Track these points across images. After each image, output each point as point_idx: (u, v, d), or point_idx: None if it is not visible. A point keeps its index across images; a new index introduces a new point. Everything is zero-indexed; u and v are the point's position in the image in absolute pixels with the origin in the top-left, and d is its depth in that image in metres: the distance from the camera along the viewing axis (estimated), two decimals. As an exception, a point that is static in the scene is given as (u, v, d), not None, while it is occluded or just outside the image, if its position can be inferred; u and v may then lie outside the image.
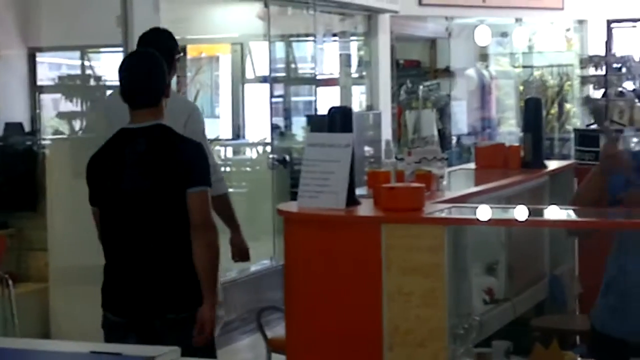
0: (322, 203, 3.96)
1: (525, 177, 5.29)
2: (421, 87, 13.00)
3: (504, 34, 14.80)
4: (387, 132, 11.55)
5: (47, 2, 8.31)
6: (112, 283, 4.27)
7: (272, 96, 10.44)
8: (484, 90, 14.28)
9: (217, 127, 12.11)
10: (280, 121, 10.86)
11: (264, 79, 10.96)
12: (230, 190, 5.24)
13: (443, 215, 3.90)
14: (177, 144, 4.21)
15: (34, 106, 8.89)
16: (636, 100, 12.24)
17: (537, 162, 5.56)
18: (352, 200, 4.01)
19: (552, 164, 5.86)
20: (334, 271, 3.90)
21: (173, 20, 7.27)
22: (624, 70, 13.14)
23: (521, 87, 14.58)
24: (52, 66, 9.51)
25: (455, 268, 3.85)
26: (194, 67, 12.02)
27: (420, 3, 12.65)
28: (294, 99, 11.55)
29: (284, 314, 4.12)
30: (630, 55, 13.16)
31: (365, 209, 4.03)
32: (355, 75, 12.05)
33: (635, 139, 4.17)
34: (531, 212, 4.03)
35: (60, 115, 8.43)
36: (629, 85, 12.97)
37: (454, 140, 13.62)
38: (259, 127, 11.29)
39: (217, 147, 10.93)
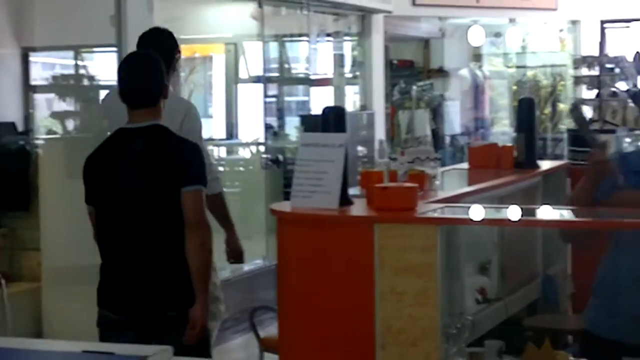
0: (316, 203, 3.96)
1: (518, 177, 5.29)
2: (414, 87, 13.00)
3: (498, 34, 14.82)
4: (380, 132, 11.56)
5: (41, 2, 8.30)
6: (109, 281, 4.28)
7: (265, 96, 10.45)
8: (477, 91, 14.29)
9: (210, 127, 12.11)
10: (273, 121, 10.86)
11: (257, 79, 10.96)
12: (224, 189, 5.25)
13: (436, 215, 3.90)
14: (174, 144, 4.23)
15: (27, 106, 8.87)
16: (629, 101, 12.25)
17: (530, 162, 5.56)
18: (345, 200, 4.01)
19: (545, 164, 5.87)
20: (326, 271, 3.90)
21: (167, 20, 7.26)
22: (617, 70, 13.14)
23: (514, 87, 14.59)
24: (45, 66, 9.50)
25: (448, 268, 3.85)
26: (188, 66, 12.01)
27: (413, 3, 12.66)
28: (287, 98, 11.55)
29: (277, 313, 4.12)
30: (623, 55, 13.16)
31: (358, 208, 4.03)
32: (348, 75, 12.07)
33: (628, 139, 4.19)
34: (524, 212, 4.04)
35: (54, 115, 8.42)
36: (622, 86, 12.98)
37: (447, 140, 13.63)
38: (252, 127, 11.30)
39: (210, 147, 10.92)
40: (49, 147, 8.14)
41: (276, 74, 11.27)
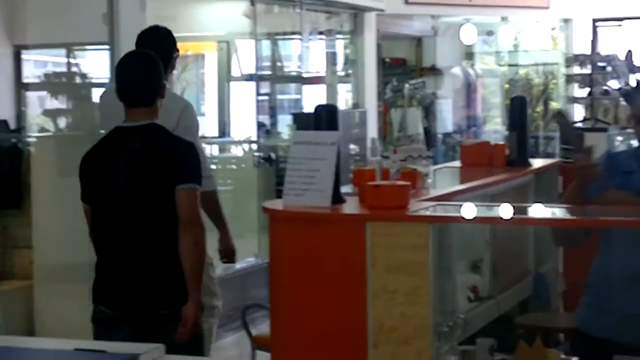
0: (308, 201, 3.97)
1: (510, 175, 5.30)
2: (407, 85, 13.00)
3: (490, 33, 14.82)
4: (372, 130, 11.56)
5: (33, 0, 8.29)
6: (105, 278, 4.28)
7: (258, 94, 10.45)
8: (469, 89, 14.29)
9: (202, 125, 12.08)
10: (266, 119, 10.86)
11: (249, 77, 10.96)
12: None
13: (428, 213, 3.91)
14: (170, 143, 4.25)
15: (20, 104, 8.86)
16: (621, 99, 12.27)
17: (522, 160, 5.57)
18: (337, 198, 4.01)
19: (537, 162, 5.88)
20: (318, 269, 3.91)
21: (159, 18, 7.24)
22: (609, 69, 13.18)
23: (507, 86, 14.60)
24: (37, 64, 9.49)
25: (439, 266, 3.86)
26: (180, 64, 11.97)
27: (406, 2, 12.67)
28: (279, 96, 11.54)
29: (269, 311, 4.12)
30: (615, 54, 13.19)
31: (351, 206, 4.03)
32: (341, 73, 12.06)
33: (619, 137, 4.20)
34: (516, 210, 4.05)
35: (46, 112, 8.41)
36: (614, 84, 13.02)
37: (440, 138, 13.63)
38: (244, 125, 11.29)
39: (203, 145, 10.90)
40: (41, 145, 8.12)
41: (268, 72, 11.27)
